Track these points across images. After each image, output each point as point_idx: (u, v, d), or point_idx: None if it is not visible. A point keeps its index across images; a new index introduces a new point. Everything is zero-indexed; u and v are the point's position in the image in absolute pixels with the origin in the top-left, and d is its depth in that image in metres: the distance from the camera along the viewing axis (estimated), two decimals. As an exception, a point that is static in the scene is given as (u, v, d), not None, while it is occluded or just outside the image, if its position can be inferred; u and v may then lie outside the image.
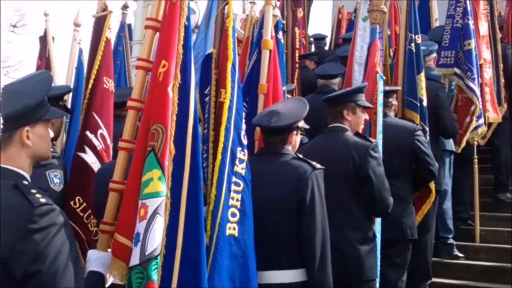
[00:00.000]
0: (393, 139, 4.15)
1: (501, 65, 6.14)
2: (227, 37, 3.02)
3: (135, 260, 2.17)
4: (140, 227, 2.19)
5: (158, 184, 2.22)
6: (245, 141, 2.91)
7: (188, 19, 2.47)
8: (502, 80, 6.11)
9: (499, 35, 6.30)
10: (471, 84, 5.30)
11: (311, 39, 8.79)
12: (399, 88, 4.75)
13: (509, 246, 5.55)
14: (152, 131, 2.30)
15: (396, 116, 4.65)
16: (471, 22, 5.39)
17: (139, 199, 2.25)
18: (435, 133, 5.00)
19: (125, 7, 5.71)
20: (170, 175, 2.29)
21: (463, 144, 5.49)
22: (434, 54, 5.59)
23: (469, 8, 5.41)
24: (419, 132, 4.31)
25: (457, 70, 5.39)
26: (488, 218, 6.07)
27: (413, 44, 4.77)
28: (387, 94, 4.34)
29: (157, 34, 2.52)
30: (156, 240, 2.17)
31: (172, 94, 2.34)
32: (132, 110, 2.51)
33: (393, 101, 4.50)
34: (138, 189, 2.27)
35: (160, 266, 2.19)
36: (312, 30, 9.84)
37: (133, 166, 2.35)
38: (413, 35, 4.78)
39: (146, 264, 2.14)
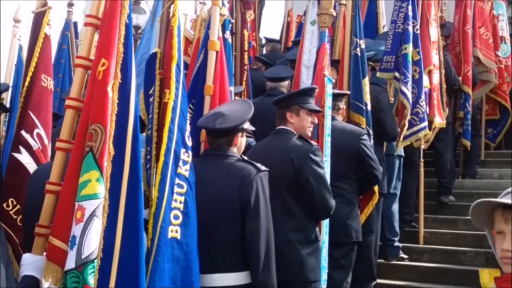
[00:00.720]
0: (339, 143, 4.18)
1: (443, 71, 6.30)
2: (172, 37, 2.96)
3: (70, 263, 2.10)
4: (76, 230, 2.13)
5: (96, 186, 2.16)
6: (189, 143, 2.87)
7: (129, 17, 2.42)
8: (444, 86, 6.28)
9: (442, 42, 6.46)
10: (403, 88, 5.34)
11: (263, 41, 8.79)
12: (349, 92, 4.79)
13: (452, 248, 5.71)
14: (91, 131, 2.24)
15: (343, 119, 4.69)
16: (410, 27, 5.46)
17: (76, 201, 2.18)
18: (377, 136, 5.07)
19: (70, 4, 5.56)
20: (109, 177, 2.23)
21: (400, 146, 5.56)
22: None
23: (410, 13, 5.48)
24: (365, 137, 4.36)
25: (397, 74, 5.47)
26: (431, 220, 6.22)
27: (358, 49, 4.83)
28: (335, 97, 4.37)
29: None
30: (92, 243, 2.11)
31: (112, 93, 2.29)
32: (70, 109, 2.45)
33: (341, 105, 4.53)
34: (75, 191, 2.21)
35: (97, 270, 2.13)
36: (265, 33, 9.83)
37: (70, 167, 2.28)
38: (358, 40, 4.83)
39: (82, 268, 2.08)
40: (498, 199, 1.73)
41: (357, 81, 4.83)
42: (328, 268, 3.93)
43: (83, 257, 2.09)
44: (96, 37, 2.50)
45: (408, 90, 5.35)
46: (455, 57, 6.87)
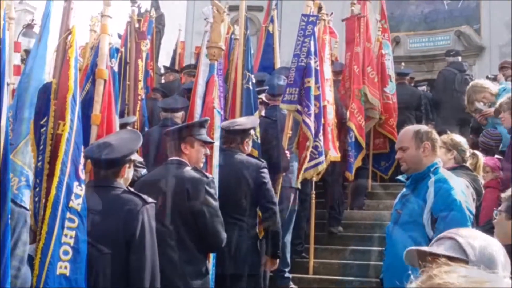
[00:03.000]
0: (240, 176, 4.22)
1: (334, 106, 6.55)
2: (69, 68, 2.95)
3: None
4: None
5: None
6: (82, 176, 2.83)
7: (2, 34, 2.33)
8: (335, 120, 6.53)
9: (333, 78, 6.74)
10: (307, 120, 5.47)
11: (162, 70, 8.79)
12: (255, 126, 4.80)
13: (339, 278, 5.86)
14: None
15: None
16: (312, 62, 5.63)
17: None
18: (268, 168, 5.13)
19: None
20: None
21: (300, 179, 5.70)
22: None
23: (312, 49, 5.67)
24: (265, 170, 4.37)
25: (299, 107, 5.62)
26: (321, 250, 6.35)
27: (250, 83, 4.93)
28: (245, 131, 4.41)
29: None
30: None
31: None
32: None
33: (246, 138, 4.55)
34: None
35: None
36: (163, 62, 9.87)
37: None
38: (250, 74, 4.94)
39: None
40: (424, 248, 1.74)
41: (249, 114, 4.91)
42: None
43: None
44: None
45: (311, 122, 5.48)
46: (347, 92, 7.17)
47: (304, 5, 5.90)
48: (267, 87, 5.71)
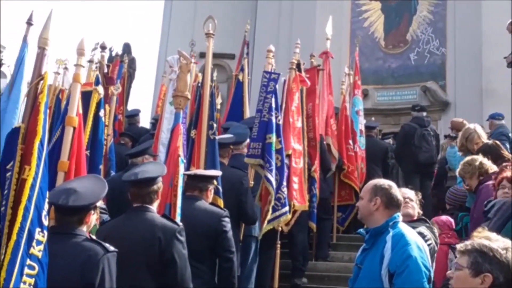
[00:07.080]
0: (200, 223, 4.20)
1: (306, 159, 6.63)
2: (38, 113, 2.96)
3: None
4: None
5: None
6: (45, 222, 2.79)
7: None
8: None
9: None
10: (268, 175, 5.58)
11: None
12: (220, 173, 4.83)
13: (300, 330, 5.79)
14: None
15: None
16: (273, 117, 5.76)
17: None
18: (236, 218, 5.13)
19: None
20: None
21: (264, 230, 5.69)
22: (247, 141, 5.86)
23: (273, 105, 5.81)
24: (226, 219, 4.36)
25: (262, 162, 5.71)
26: (284, 302, 6.28)
27: (216, 133, 4.99)
28: (206, 178, 4.43)
29: None
30: None
31: None
32: None
33: (210, 186, 4.54)
34: None
35: None
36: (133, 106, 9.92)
37: None
38: (214, 124, 5.00)
39: None
40: None
41: (215, 164, 4.94)
42: None
43: None
44: None
45: (272, 177, 5.61)
46: (310, 143, 7.24)
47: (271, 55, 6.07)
48: (232, 136, 5.77)
